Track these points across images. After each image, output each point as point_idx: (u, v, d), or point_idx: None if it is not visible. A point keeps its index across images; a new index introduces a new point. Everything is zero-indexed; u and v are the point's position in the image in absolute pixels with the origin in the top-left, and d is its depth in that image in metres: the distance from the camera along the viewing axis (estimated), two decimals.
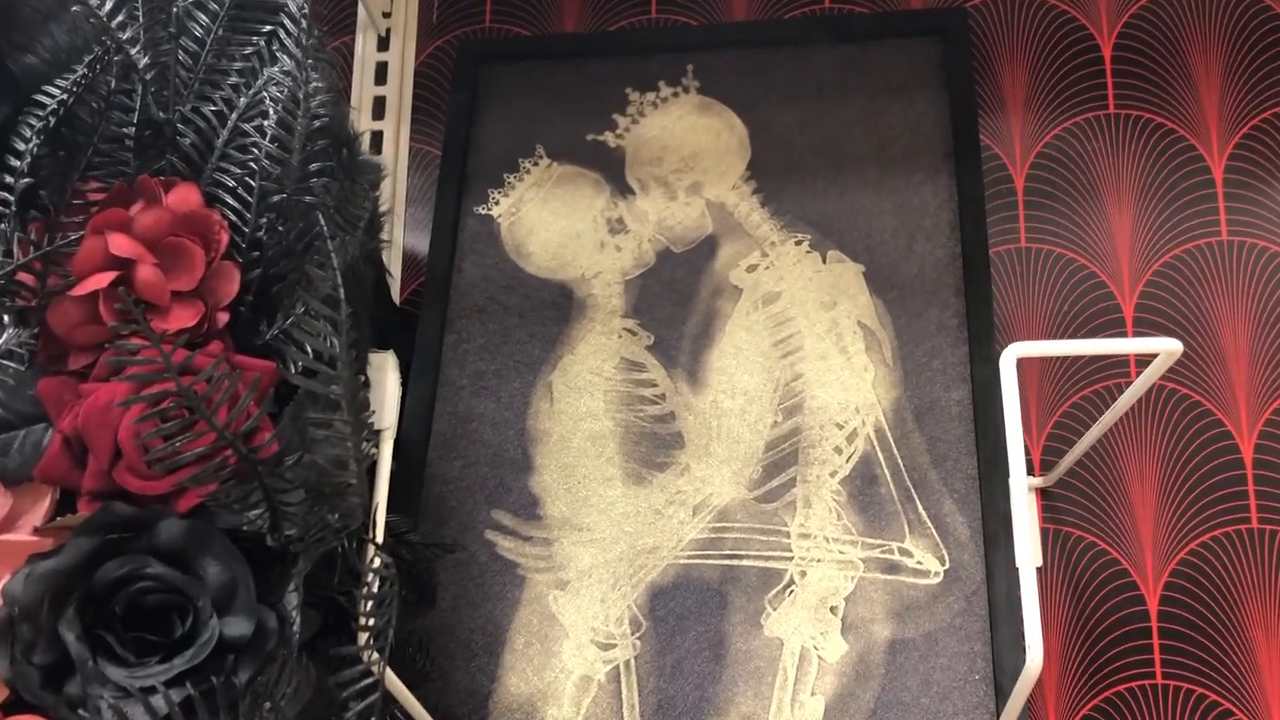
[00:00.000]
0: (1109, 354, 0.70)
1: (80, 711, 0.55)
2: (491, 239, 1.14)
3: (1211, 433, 1.07)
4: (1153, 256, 1.13)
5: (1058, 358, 1.09)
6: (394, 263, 1.19)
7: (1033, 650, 0.66)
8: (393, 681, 0.70)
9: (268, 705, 0.57)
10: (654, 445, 1.02)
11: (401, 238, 1.23)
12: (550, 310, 1.09)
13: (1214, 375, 1.09)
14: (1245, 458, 1.06)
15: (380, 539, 0.65)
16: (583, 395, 1.05)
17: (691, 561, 0.97)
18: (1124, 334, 1.11)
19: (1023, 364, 1.12)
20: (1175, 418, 1.08)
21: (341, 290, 0.62)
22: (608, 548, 0.98)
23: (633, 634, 0.95)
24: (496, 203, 1.15)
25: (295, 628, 0.58)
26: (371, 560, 0.62)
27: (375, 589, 0.61)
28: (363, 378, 0.66)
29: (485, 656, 0.96)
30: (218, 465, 0.59)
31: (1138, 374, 1.05)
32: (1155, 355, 0.73)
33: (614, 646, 0.95)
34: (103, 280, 0.65)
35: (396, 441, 1.09)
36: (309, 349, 0.61)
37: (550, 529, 1.00)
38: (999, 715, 0.88)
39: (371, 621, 0.60)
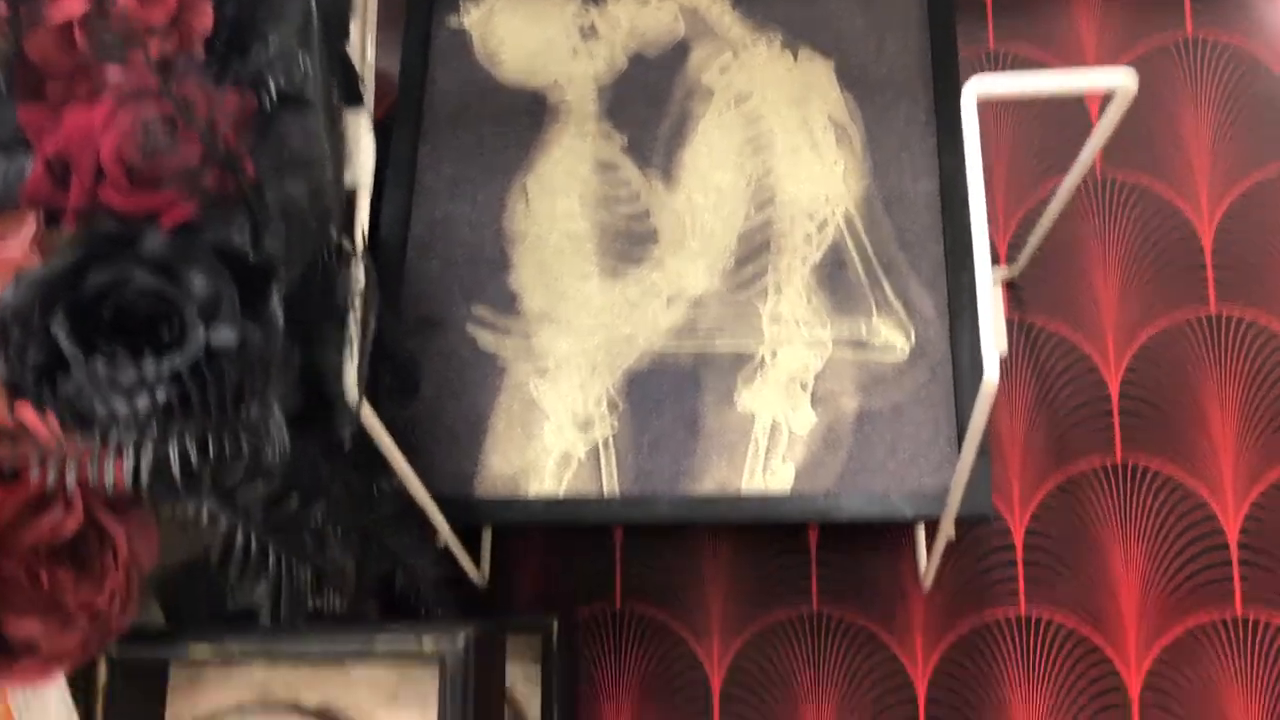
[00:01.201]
0: (1067, 90, 0.72)
1: (81, 401, 0.57)
2: (464, 50, 1.14)
3: (1172, 222, 1.10)
4: (1119, 52, 1.15)
5: (1024, 148, 1.11)
6: (366, 75, 1.19)
7: (989, 361, 0.68)
8: (368, 417, 0.73)
9: (256, 401, 0.59)
10: (629, 242, 1.04)
11: (373, 58, 1.23)
12: (524, 117, 1.10)
13: (1173, 161, 1.11)
14: (1204, 243, 1.09)
15: (359, 250, 0.66)
16: (558, 196, 1.07)
17: (666, 349, 1.00)
18: (1088, 132, 1.12)
19: (992, 154, 1.14)
20: (1139, 208, 1.10)
21: (315, 12, 0.63)
22: (585, 337, 1.01)
23: (610, 415, 0.98)
24: (468, 14, 1.15)
25: (278, 328, 0.60)
26: (352, 256, 0.64)
27: (360, 282, 0.63)
28: (334, 94, 0.67)
29: (468, 441, 0.99)
30: (203, 177, 0.61)
31: (1104, 159, 1.08)
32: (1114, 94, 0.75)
33: (593, 426, 0.98)
34: (77, 7, 0.65)
35: (374, 245, 1.10)
36: (283, 74, 0.63)
37: (529, 322, 1.02)
38: None
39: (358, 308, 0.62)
